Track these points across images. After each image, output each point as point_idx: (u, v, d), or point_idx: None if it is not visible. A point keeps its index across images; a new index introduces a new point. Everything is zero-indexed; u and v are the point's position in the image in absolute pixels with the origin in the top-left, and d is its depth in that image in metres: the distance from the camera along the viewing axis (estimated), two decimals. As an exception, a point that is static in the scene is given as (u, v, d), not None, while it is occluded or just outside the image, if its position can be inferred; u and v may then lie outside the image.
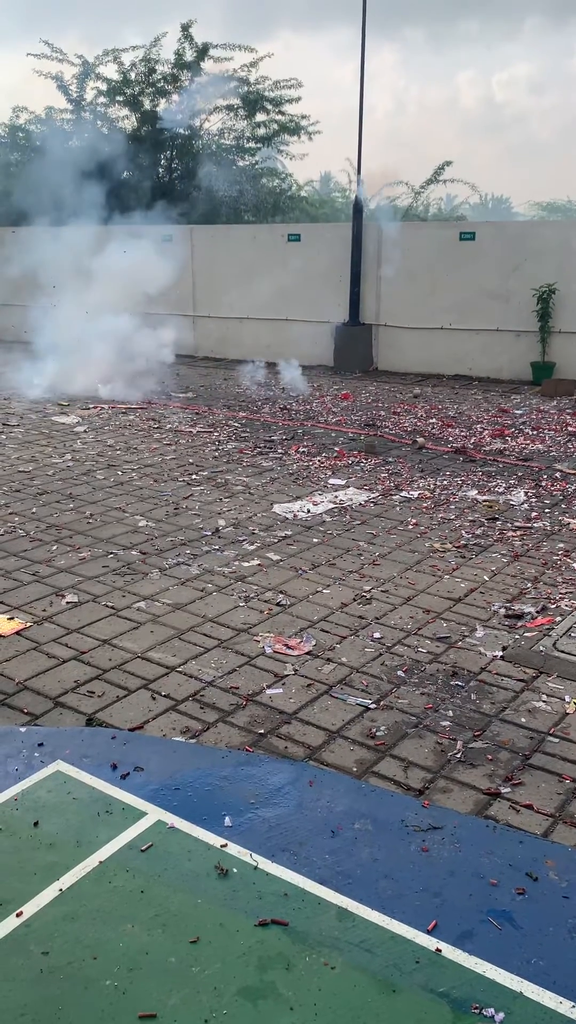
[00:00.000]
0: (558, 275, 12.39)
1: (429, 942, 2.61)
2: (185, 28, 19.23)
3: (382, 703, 4.01)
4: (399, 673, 4.29)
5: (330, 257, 14.29)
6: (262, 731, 3.77)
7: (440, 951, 2.58)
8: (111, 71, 19.92)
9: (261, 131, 20.46)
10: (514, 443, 9.17)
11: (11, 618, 4.85)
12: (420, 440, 9.21)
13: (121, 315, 12.47)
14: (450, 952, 2.58)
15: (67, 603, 5.06)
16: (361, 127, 14.07)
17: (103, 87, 20.03)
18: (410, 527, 6.47)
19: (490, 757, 3.59)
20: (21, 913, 2.70)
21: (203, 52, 19.44)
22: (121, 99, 19.98)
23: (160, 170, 20.02)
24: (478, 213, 33.15)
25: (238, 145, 20.34)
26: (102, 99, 20.16)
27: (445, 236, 13.60)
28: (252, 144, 20.57)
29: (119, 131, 19.54)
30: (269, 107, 20.12)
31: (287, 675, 4.26)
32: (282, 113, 20.29)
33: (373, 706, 3.98)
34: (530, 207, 35.14)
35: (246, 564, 5.70)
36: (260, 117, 20.26)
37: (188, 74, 19.65)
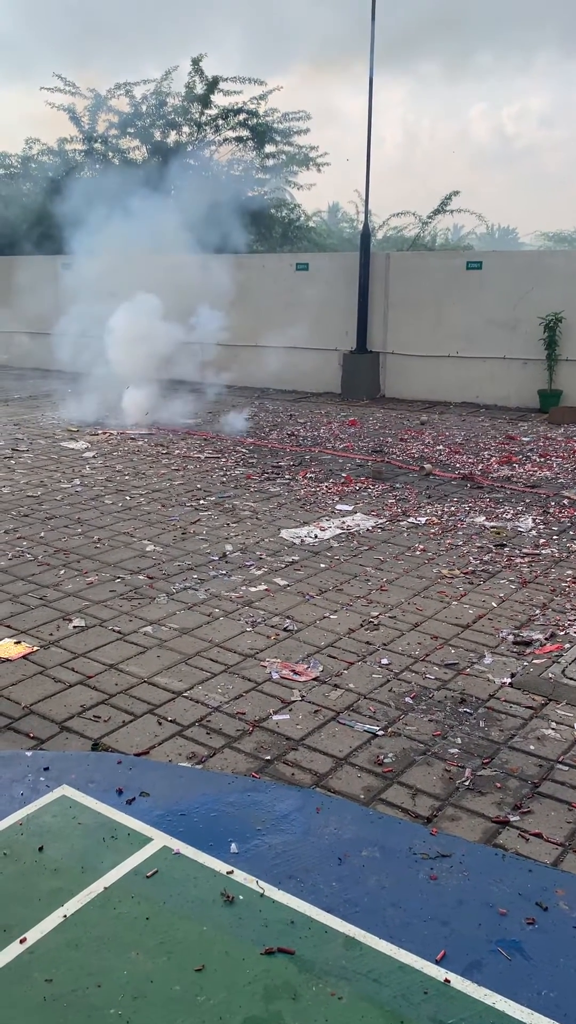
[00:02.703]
0: (565, 304, 12.46)
1: (438, 972, 2.57)
2: (196, 62, 19.58)
3: (390, 730, 3.98)
4: (407, 700, 4.27)
5: (338, 286, 14.42)
6: (269, 757, 3.74)
7: (449, 982, 2.54)
8: (123, 104, 20.28)
9: (270, 162, 20.74)
10: (522, 470, 9.18)
11: (18, 642, 4.85)
12: (427, 466, 9.22)
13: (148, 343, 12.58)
14: (459, 983, 2.53)
15: (74, 627, 5.06)
16: (369, 158, 14.22)
17: (115, 119, 20.38)
18: (417, 553, 6.46)
19: (499, 785, 3.56)
20: (25, 939, 2.67)
21: (213, 85, 19.77)
22: (132, 131, 20.31)
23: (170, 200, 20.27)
24: (485, 243, 33.45)
25: (247, 176, 20.61)
26: (113, 131, 20.49)
27: (452, 265, 13.72)
28: (261, 175, 20.84)
29: (131, 162, 19.84)
30: (278, 139, 20.41)
31: (294, 701, 4.24)
32: (290, 144, 20.58)
33: (381, 733, 3.95)
34: (536, 237, 35.43)
35: (253, 589, 5.69)
36: (269, 149, 20.55)
37: (198, 107, 19.98)
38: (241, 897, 2.87)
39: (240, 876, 2.97)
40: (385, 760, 3.72)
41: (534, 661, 4.71)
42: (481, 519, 7.37)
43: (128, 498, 7.92)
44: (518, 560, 6.33)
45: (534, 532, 7.02)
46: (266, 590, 5.68)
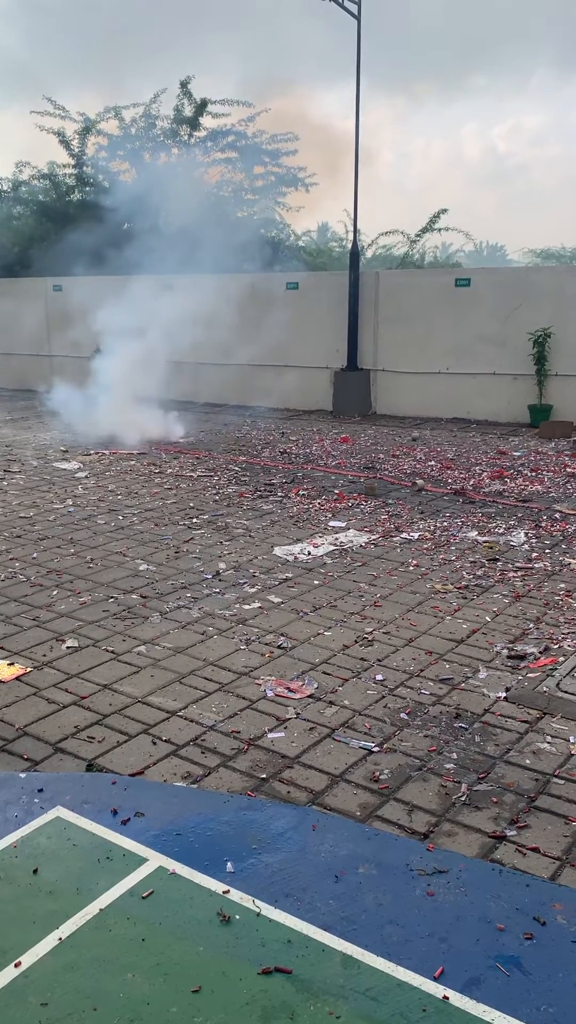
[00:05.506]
0: (553, 319, 12.56)
1: (436, 989, 2.55)
2: (184, 84, 19.78)
3: (385, 746, 3.97)
4: (402, 715, 4.26)
5: (328, 304, 14.51)
6: (264, 776, 3.73)
7: (447, 998, 2.52)
8: (113, 127, 20.47)
9: (259, 183, 20.91)
10: (513, 484, 9.21)
11: (11, 663, 4.83)
12: (420, 482, 9.24)
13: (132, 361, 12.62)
14: (458, 1000, 2.52)
15: (67, 648, 5.04)
16: (357, 178, 14.35)
17: (104, 142, 20.55)
18: (411, 568, 6.47)
19: (495, 799, 3.55)
20: (20, 963, 2.65)
21: (201, 108, 19.96)
22: (122, 153, 20.48)
23: (160, 221, 20.39)
24: (473, 260, 33.69)
25: (236, 197, 20.77)
26: (103, 153, 20.66)
27: (441, 282, 13.82)
28: (250, 196, 21.00)
29: (121, 183, 19.98)
30: (266, 160, 20.59)
31: (289, 719, 4.22)
32: (278, 166, 20.76)
33: (376, 749, 3.94)
34: (524, 254, 35.68)
35: (247, 607, 5.69)
36: (258, 170, 20.72)
37: (187, 128, 20.17)
38: (237, 916, 2.85)
39: (236, 895, 2.95)
40: (381, 776, 3.71)
41: (528, 675, 4.70)
42: (474, 534, 7.39)
43: (121, 518, 7.92)
44: (511, 574, 6.34)
45: (526, 546, 7.03)
46: (260, 607, 5.68)
